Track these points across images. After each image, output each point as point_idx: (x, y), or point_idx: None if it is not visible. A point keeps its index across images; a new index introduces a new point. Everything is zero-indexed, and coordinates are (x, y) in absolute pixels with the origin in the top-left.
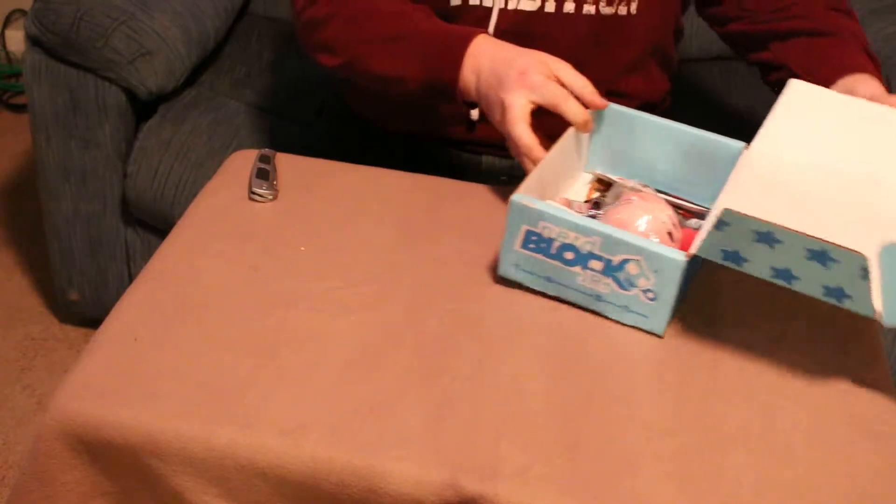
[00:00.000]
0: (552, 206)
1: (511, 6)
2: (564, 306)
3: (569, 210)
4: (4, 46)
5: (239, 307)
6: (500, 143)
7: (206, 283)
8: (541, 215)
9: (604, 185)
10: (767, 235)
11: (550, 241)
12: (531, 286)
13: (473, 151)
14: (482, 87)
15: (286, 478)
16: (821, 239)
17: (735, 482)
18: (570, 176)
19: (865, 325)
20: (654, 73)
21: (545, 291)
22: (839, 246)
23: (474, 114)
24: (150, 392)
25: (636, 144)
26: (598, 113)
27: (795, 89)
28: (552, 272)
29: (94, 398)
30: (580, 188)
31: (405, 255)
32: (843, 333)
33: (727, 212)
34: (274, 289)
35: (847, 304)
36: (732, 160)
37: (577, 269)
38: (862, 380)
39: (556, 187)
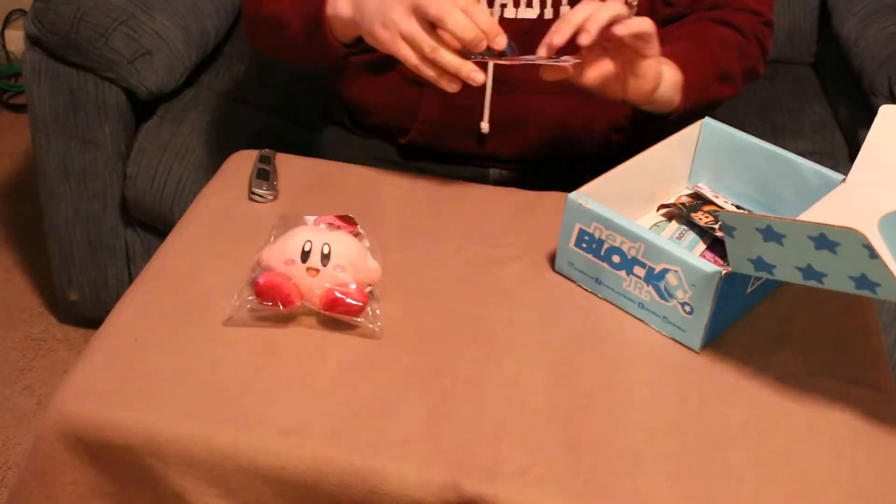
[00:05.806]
0: (604, 208)
1: (509, 14)
2: (564, 306)
3: (620, 214)
4: (4, 46)
5: (239, 307)
6: (508, 158)
7: (206, 283)
8: (592, 215)
9: (693, 198)
10: (770, 231)
11: (601, 242)
12: (583, 286)
13: (480, 165)
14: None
15: (287, 478)
16: (814, 222)
17: (735, 482)
18: (670, 185)
19: (865, 326)
20: None
21: (595, 293)
22: (832, 225)
23: (484, 126)
24: (150, 392)
25: (738, 165)
26: (707, 131)
27: (886, 114)
28: (601, 274)
29: (94, 399)
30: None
31: (405, 254)
32: (843, 333)
33: (727, 215)
34: None
35: (882, 294)
36: (829, 191)
37: (622, 273)
38: (862, 380)
39: (653, 192)
